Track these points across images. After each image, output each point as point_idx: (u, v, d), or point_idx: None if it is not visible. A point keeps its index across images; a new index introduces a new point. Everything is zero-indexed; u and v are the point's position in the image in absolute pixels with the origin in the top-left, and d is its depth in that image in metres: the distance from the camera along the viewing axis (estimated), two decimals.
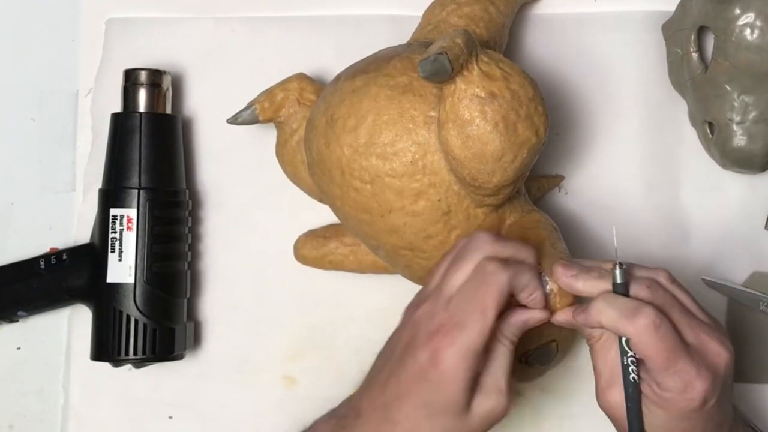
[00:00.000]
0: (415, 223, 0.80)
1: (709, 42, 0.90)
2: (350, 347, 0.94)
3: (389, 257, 0.84)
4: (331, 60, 0.95)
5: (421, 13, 0.90)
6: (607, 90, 0.94)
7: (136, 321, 0.89)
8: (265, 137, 0.93)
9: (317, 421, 0.81)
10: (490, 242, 0.74)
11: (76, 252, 0.92)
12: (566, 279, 0.74)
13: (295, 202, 0.93)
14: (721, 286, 0.92)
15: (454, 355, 0.70)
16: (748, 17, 0.85)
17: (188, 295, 0.94)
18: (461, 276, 0.73)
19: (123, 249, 0.89)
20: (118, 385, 0.95)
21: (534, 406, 0.93)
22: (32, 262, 0.92)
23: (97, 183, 0.93)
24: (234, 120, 0.89)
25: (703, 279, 0.92)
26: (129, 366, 0.92)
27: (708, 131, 0.90)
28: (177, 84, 0.96)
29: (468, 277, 0.73)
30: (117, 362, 0.90)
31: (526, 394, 0.93)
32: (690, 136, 0.93)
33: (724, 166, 0.90)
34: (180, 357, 0.92)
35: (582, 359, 0.90)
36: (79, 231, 0.96)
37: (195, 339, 0.95)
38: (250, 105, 0.88)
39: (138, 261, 0.89)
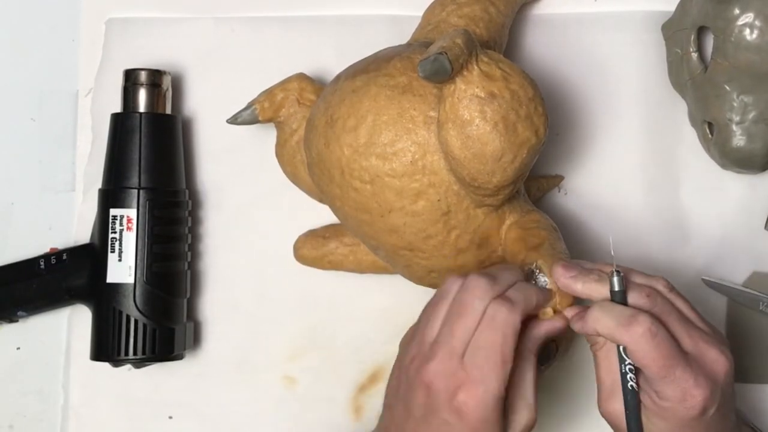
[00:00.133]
0: (414, 223, 0.80)
1: (709, 42, 0.90)
2: (350, 347, 0.94)
3: (389, 257, 0.84)
4: (331, 60, 0.95)
5: (421, 13, 0.90)
6: (607, 90, 0.94)
7: (136, 321, 0.89)
8: (265, 137, 0.93)
9: None
10: (489, 286, 0.72)
11: (76, 252, 0.92)
12: (565, 280, 0.74)
13: (295, 202, 0.93)
14: (720, 286, 0.92)
15: (481, 410, 0.70)
16: (748, 17, 0.85)
17: (188, 295, 0.94)
18: (469, 327, 0.72)
19: (123, 249, 0.89)
20: (118, 385, 0.95)
21: None
22: (32, 262, 0.92)
23: (97, 183, 0.93)
24: (234, 120, 0.89)
25: (703, 279, 0.92)
26: (129, 366, 0.92)
27: (708, 131, 0.90)
28: (177, 84, 0.96)
29: (479, 328, 0.71)
30: (117, 362, 0.90)
31: None
32: (690, 136, 0.93)
33: (724, 166, 0.90)
34: (180, 357, 0.92)
35: (582, 359, 0.90)
36: (79, 231, 0.96)
37: (195, 339, 0.95)
38: (249, 105, 0.88)
39: (138, 261, 0.89)
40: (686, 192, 0.94)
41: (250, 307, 0.96)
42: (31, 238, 0.97)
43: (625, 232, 0.93)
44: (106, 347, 0.89)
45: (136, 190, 0.90)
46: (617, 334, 0.70)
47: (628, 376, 0.72)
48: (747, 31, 0.85)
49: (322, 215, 0.91)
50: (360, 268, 0.91)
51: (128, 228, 0.89)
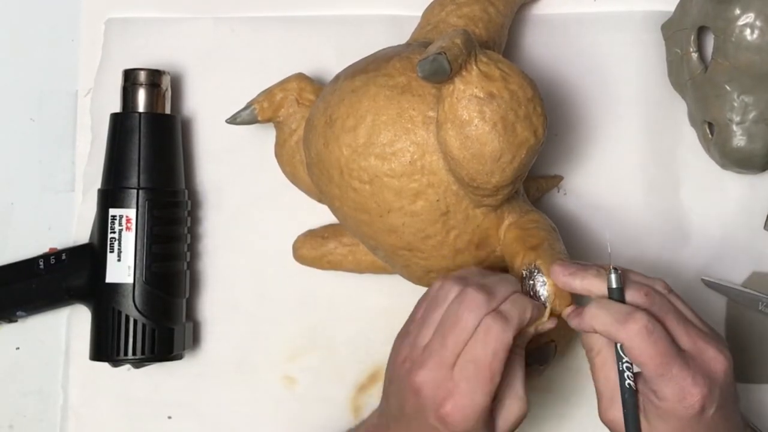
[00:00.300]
0: (413, 224, 0.80)
1: (709, 42, 0.90)
2: (350, 347, 0.94)
3: (388, 257, 0.84)
4: (330, 60, 0.95)
5: (420, 14, 0.90)
6: (607, 90, 0.94)
7: (135, 321, 0.89)
8: (265, 137, 0.93)
9: None
10: (484, 301, 0.73)
11: (75, 252, 0.92)
12: (564, 278, 0.74)
13: (295, 202, 0.93)
14: (720, 286, 0.92)
15: (466, 421, 0.71)
16: (748, 17, 0.85)
17: (187, 295, 0.94)
18: (461, 340, 0.72)
19: (122, 249, 0.89)
20: (117, 385, 0.95)
21: (534, 406, 0.93)
22: (32, 262, 0.92)
23: (97, 183, 0.93)
24: (233, 120, 0.89)
25: (703, 279, 0.92)
26: (128, 366, 0.92)
27: (708, 131, 0.90)
28: (176, 84, 0.96)
29: (471, 342, 0.72)
30: (116, 362, 0.90)
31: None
32: (690, 136, 0.93)
33: (724, 166, 0.90)
34: (179, 357, 0.92)
35: (581, 359, 0.89)
36: (79, 231, 0.96)
37: (194, 339, 0.95)
38: (249, 105, 0.88)
39: (137, 261, 0.89)
40: (686, 192, 0.94)
41: (249, 307, 0.96)
42: (31, 238, 0.97)
43: (624, 232, 0.93)
44: (106, 347, 0.89)
45: (135, 190, 0.90)
46: (614, 331, 0.70)
47: (625, 374, 0.72)
48: (748, 31, 0.85)
49: (322, 215, 0.91)
50: (359, 268, 0.91)
51: (127, 228, 0.89)
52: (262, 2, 0.98)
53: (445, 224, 0.79)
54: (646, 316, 0.70)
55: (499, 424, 0.74)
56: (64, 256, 0.92)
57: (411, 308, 0.89)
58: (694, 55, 0.90)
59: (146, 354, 0.89)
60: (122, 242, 0.89)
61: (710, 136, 0.90)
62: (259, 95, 0.89)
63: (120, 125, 0.91)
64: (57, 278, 0.91)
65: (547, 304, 0.76)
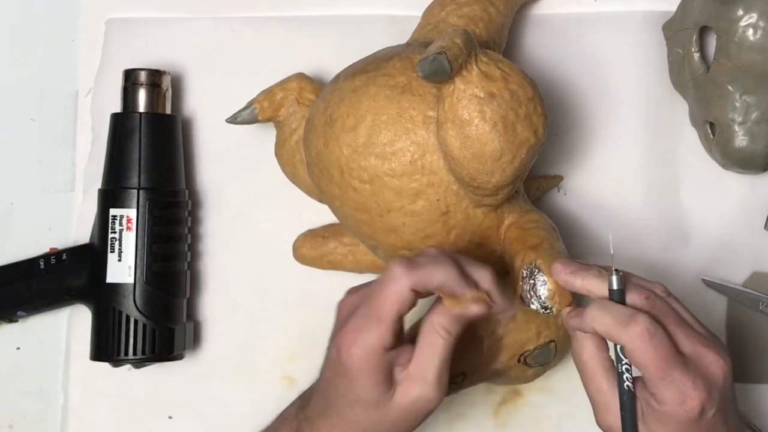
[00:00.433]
0: (413, 223, 0.80)
1: (711, 42, 0.90)
2: None
3: (388, 257, 0.84)
4: (330, 60, 0.95)
5: (420, 13, 0.90)
6: (607, 90, 0.94)
7: (136, 321, 0.89)
8: (265, 137, 0.93)
9: (287, 409, 0.84)
10: (403, 266, 0.73)
11: (75, 252, 0.92)
12: (564, 276, 0.74)
13: (295, 202, 0.93)
14: (720, 286, 0.92)
15: (354, 353, 0.72)
16: (751, 18, 0.85)
17: (188, 295, 0.94)
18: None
19: (123, 249, 0.89)
20: (117, 385, 0.95)
21: (534, 406, 0.93)
22: (32, 262, 0.92)
23: (97, 183, 0.93)
24: (233, 119, 0.89)
25: (703, 279, 0.92)
26: (129, 366, 0.92)
27: (709, 131, 0.90)
28: (177, 84, 0.96)
29: (372, 284, 0.74)
30: (116, 362, 0.90)
31: (526, 394, 0.93)
32: (690, 136, 0.93)
33: (726, 166, 0.90)
34: (180, 357, 0.92)
35: None
36: (79, 231, 0.96)
37: (195, 339, 0.95)
38: (249, 104, 0.88)
39: (138, 261, 0.89)
40: (686, 192, 0.94)
41: (250, 307, 0.96)
42: (31, 238, 0.97)
43: (625, 232, 0.93)
44: (106, 347, 0.89)
45: (135, 190, 0.90)
46: (615, 333, 0.70)
47: (624, 376, 0.72)
48: (750, 31, 0.85)
49: (322, 215, 0.91)
50: (359, 268, 0.91)
51: (128, 228, 0.89)
52: (262, 2, 0.98)
53: (446, 224, 0.79)
54: (648, 319, 0.70)
55: (397, 394, 0.74)
56: (64, 256, 0.92)
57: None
58: (696, 55, 0.90)
59: (147, 354, 0.89)
60: (123, 242, 0.89)
61: (712, 136, 0.90)
62: (259, 95, 0.89)
63: (120, 125, 0.91)
64: (57, 278, 0.91)
65: (547, 303, 0.75)
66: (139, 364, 0.91)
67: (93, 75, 0.98)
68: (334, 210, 0.85)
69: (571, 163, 0.94)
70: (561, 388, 0.92)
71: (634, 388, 0.72)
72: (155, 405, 0.95)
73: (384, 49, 0.84)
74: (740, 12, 0.85)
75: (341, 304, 0.78)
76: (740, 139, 0.86)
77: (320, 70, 0.94)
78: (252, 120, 0.88)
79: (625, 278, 0.73)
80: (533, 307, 0.76)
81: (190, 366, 0.95)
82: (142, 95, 0.92)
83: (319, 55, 0.96)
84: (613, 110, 0.94)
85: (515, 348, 0.82)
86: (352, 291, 0.78)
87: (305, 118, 0.86)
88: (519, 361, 0.83)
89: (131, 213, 0.90)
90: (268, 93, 0.88)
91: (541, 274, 0.76)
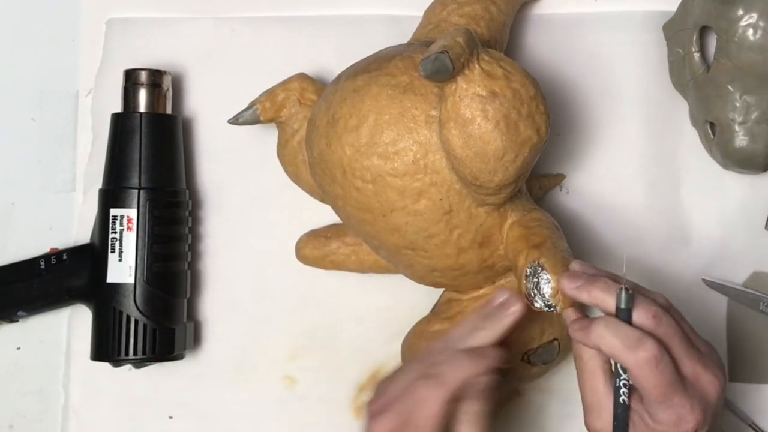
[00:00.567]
0: (416, 223, 0.80)
1: (711, 42, 0.90)
2: (350, 347, 0.94)
3: (391, 257, 0.84)
4: (331, 60, 0.95)
5: (421, 13, 0.90)
6: (608, 90, 0.94)
7: (136, 321, 0.89)
8: (265, 137, 0.93)
9: None
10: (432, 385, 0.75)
11: (76, 252, 0.92)
12: (571, 291, 0.74)
13: (296, 202, 0.93)
14: (721, 286, 0.92)
15: None
16: (751, 18, 0.85)
17: (188, 295, 0.94)
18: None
19: (123, 249, 0.89)
20: (118, 385, 0.95)
21: (534, 406, 0.93)
22: (32, 262, 0.92)
23: (97, 183, 0.93)
24: (235, 120, 0.89)
25: (703, 279, 0.92)
26: (129, 366, 0.92)
27: (710, 131, 0.90)
28: (177, 84, 0.96)
29: (409, 398, 0.75)
30: (117, 362, 0.90)
31: (526, 394, 0.93)
32: (691, 136, 0.93)
33: (726, 166, 0.90)
34: (180, 357, 0.92)
35: None
36: (79, 231, 0.96)
37: (195, 339, 0.95)
38: (251, 105, 0.88)
39: (138, 261, 0.89)
40: (687, 192, 0.94)
41: (250, 307, 0.96)
42: (31, 238, 0.97)
43: (625, 232, 0.93)
44: (107, 347, 0.89)
45: (136, 190, 0.90)
46: (622, 356, 0.70)
47: (621, 390, 0.72)
48: (750, 31, 0.85)
49: (323, 215, 0.91)
50: (362, 268, 0.91)
51: (128, 228, 0.89)
52: (262, 2, 0.98)
53: (449, 223, 0.79)
54: (655, 345, 0.69)
55: None
56: (65, 256, 0.92)
57: (413, 308, 0.90)
58: (696, 55, 0.90)
59: (147, 354, 0.89)
60: (123, 242, 0.89)
61: (712, 136, 0.90)
62: (261, 95, 0.89)
63: (121, 125, 0.91)
64: (58, 278, 0.91)
65: (551, 301, 0.75)
66: (139, 364, 0.91)
67: (93, 75, 0.98)
68: (337, 210, 0.85)
69: (572, 162, 0.94)
70: (561, 388, 0.92)
71: (629, 401, 0.72)
72: (155, 405, 0.95)
73: (385, 48, 0.84)
74: (740, 12, 0.85)
75: (373, 410, 0.77)
76: (740, 139, 0.87)
77: (321, 70, 0.94)
78: (254, 121, 0.88)
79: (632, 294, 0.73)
80: (537, 305, 0.76)
81: (190, 366, 0.95)
82: (142, 95, 0.92)
83: (319, 55, 0.96)
84: (614, 110, 0.94)
85: (519, 346, 0.82)
86: (383, 389, 0.78)
87: (307, 118, 0.86)
88: (522, 359, 0.83)
89: (132, 213, 0.90)
90: (269, 93, 0.88)
91: (544, 272, 0.76)
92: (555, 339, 0.83)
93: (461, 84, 0.74)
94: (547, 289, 0.75)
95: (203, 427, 0.95)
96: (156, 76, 0.92)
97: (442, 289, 0.88)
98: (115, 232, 0.89)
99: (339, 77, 0.84)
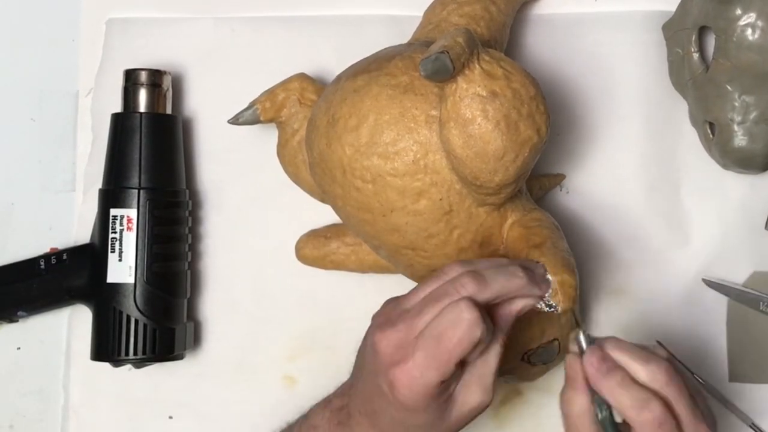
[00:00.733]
0: (416, 223, 0.80)
1: (710, 42, 0.90)
2: (350, 347, 0.93)
3: (391, 257, 0.84)
4: (331, 60, 0.95)
5: (421, 13, 0.90)
6: (608, 90, 0.94)
7: (136, 321, 0.89)
8: (265, 137, 0.93)
9: (313, 408, 0.82)
10: (477, 290, 0.71)
11: (76, 252, 0.92)
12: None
13: (296, 202, 0.93)
14: (721, 285, 0.92)
15: (410, 392, 0.71)
16: (750, 17, 0.85)
17: (188, 295, 0.94)
18: (435, 314, 0.71)
19: (123, 249, 0.89)
20: (118, 385, 0.95)
21: (534, 405, 0.93)
22: (32, 262, 0.92)
23: (97, 183, 0.93)
24: (235, 120, 0.89)
25: (704, 279, 0.92)
26: (129, 366, 0.92)
27: (709, 131, 0.90)
28: (177, 84, 0.96)
29: (442, 319, 0.70)
30: (117, 362, 0.90)
31: (526, 394, 0.93)
32: (690, 136, 0.93)
33: (725, 166, 0.90)
34: (180, 357, 0.92)
35: None
36: (79, 231, 0.96)
37: (195, 339, 0.95)
38: (251, 105, 0.88)
39: (138, 261, 0.89)
40: (687, 192, 0.94)
41: (250, 307, 0.96)
42: (31, 238, 0.97)
43: (625, 232, 0.94)
44: (107, 347, 0.89)
45: (136, 190, 0.90)
46: (628, 413, 0.70)
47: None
48: (749, 31, 0.85)
49: (322, 215, 0.91)
50: (362, 268, 0.91)
51: (128, 228, 0.89)
52: (262, 2, 0.98)
53: (449, 223, 0.79)
54: (660, 407, 0.69)
55: (455, 407, 0.74)
56: (65, 256, 0.92)
57: None
58: (695, 55, 0.90)
59: (147, 354, 0.89)
60: (123, 242, 0.89)
61: (711, 136, 0.90)
62: (261, 95, 0.89)
63: (121, 125, 0.91)
64: (58, 278, 0.91)
65: (551, 301, 0.75)
66: (139, 364, 0.91)
67: (93, 75, 0.98)
68: (337, 210, 0.85)
69: (572, 162, 0.94)
70: (561, 388, 0.92)
71: None
72: (155, 405, 0.95)
73: (385, 48, 0.84)
74: (738, 11, 0.85)
75: (381, 320, 0.74)
76: (739, 139, 0.87)
77: (321, 70, 0.94)
78: (254, 120, 0.88)
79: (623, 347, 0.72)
80: (537, 305, 0.76)
81: (190, 366, 0.95)
82: (142, 95, 0.92)
83: (319, 55, 0.96)
84: (614, 110, 0.94)
85: (519, 346, 0.82)
86: (393, 303, 0.75)
87: (307, 118, 0.86)
88: (523, 359, 0.83)
89: (132, 213, 0.90)
90: (269, 93, 0.88)
91: (544, 271, 0.75)
92: (555, 339, 0.83)
93: (461, 84, 0.74)
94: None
95: (203, 427, 0.95)
96: (156, 76, 0.92)
97: None
98: (115, 232, 0.89)
99: (339, 77, 0.84)
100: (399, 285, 0.89)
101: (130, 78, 0.92)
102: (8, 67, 0.99)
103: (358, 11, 0.97)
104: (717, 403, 0.92)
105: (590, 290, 0.93)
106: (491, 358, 0.73)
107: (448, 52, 0.71)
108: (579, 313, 0.89)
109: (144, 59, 0.96)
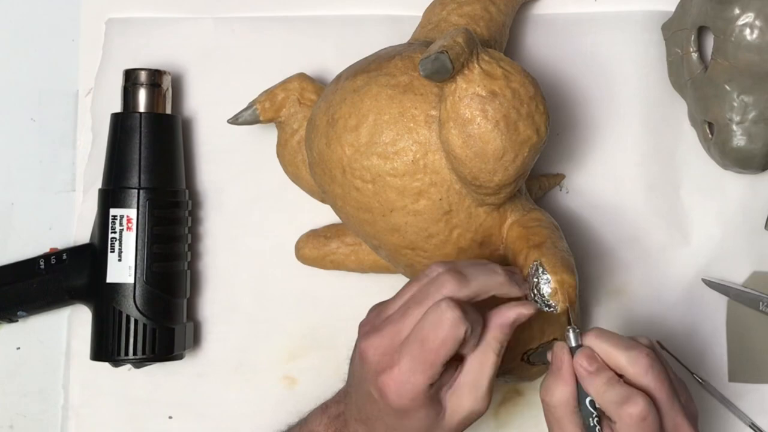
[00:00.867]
0: (416, 223, 0.80)
1: (709, 42, 0.90)
2: (350, 347, 0.93)
3: (390, 257, 0.84)
4: (331, 60, 0.95)
5: (421, 13, 0.90)
6: (607, 90, 0.94)
7: (136, 321, 0.89)
8: (265, 137, 0.93)
9: (311, 413, 0.82)
10: (457, 288, 0.71)
11: (76, 252, 0.92)
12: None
13: (296, 202, 0.93)
14: (721, 285, 0.92)
15: (399, 397, 0.71)
16: (748, 17, 0.85)
17: (188, 295, 0.94)
18: (418, 317, 0.71)
19: (123, 249, 0.89)
20: (118, 385, 0.95)
21: (534, 405, 0.93)
22: (32, 262, 0.92)
23: (97, 183, 0.93)
24: (235, 120, 0.89)
25: (704, 279, 0.92)
26: (129, 366, 0.92)
27: (708, 131, 0.90)
28: (177, 84, 0.96)
29: (425, 322, 0.70)
30: (117, 362, 0.90)
31: (526, 394, 0.93)
32: (690, 135, 0.93)
33: (724, 166, 0.90)
34: (180, 357, 0.92)
35: None
36: (79, 231, 0.96)
37: (195, 339, 0.95)
38: (251, 105, 0.88)
39: (138, 261, 0.89)
40: (686, 192, 0.94)
41: (250, 307, 0.96)
42: (31, 238, 0.97)
43: (625, 232, 0.94)
44: (106, 347, 0.89)
45: (136, 190, 0.90)
46: (611, 409, 0.70)
47: (596, 429, 0.72)
48: (747, 31, 0.85)
49: (322, 215, 0.92)
50: (362, 268, 0.91)
51: (128, 228, 0.89)
52: (262, 2, 0.98)
53: (448, 223, 0.79)
54: (643, 402, 0.69)
55: (448, 412, 0.74)
56: (64, 256, 0.92)
57: None
58: (694, 55, 0.90)
59: (147, 354, 0.89)
60: (123, 242, 0.89)
61: (710, 135, 0.90)
62: (260, 95, 0.89)
63: (121, 125, 0.91)
64: (58, 278, 0.91)
65: (550, 301, 0.75)
66: (139, 364, 0.91)
67: (93, 75, 0.98)
68: (337, 210, 0.85)
69: (572, 162, 0.94)
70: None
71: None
72: (155, 405, 0.95)
73: (385, 48, 0.84)
74: (737, 11, 0.85)
75: (366, 328, 0.75)
76: (738, 139, 0.87)
77: (321, 70, 0.94)
78: (254, 120, 0.88)
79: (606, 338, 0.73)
80: (537, 305, 0.76)
81: (190, 366, 0.95)
82: (142, 95, 0.92)
83: (319, 55, 0.96)
84: (614, 109, 0.94)
85: (519, 346, 0.82)
86: (377, 310, 0.76)
87: (307, 118, 0.86)
88: (522, 359, 0.83)
89: (131, 213, 0.90)
90: (269, 93, 0.88)
91: (544, 272, 0.76)
92: (555, 338, 0.83)
93: (461, 84, 0.74)
94: (546, 289, 0.75)
95: (203, 427, 0.95)
96: (156, 76, 0.92)
97: None
98: (115, 232, 0.89)
99: (339, 77, 0.84)
100: (399, 285, 0.88)
101: (130, 78, 0.92)
102: (8, 67, 0.99)
103: (358, 11, 0.97)
104: (717, 403, 0.92)
105: (590, 290, 0.93)
106: (487, 367, 0.73)
107: (447, 52, 0.71)
108: (579, 313, 0.89)
109: (144, 59, 0.96)
